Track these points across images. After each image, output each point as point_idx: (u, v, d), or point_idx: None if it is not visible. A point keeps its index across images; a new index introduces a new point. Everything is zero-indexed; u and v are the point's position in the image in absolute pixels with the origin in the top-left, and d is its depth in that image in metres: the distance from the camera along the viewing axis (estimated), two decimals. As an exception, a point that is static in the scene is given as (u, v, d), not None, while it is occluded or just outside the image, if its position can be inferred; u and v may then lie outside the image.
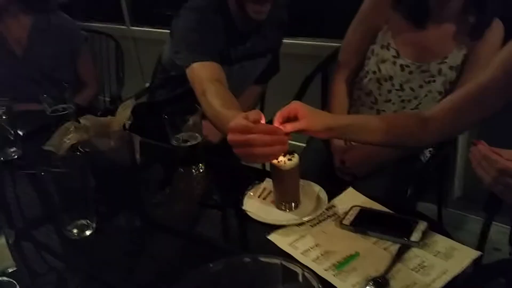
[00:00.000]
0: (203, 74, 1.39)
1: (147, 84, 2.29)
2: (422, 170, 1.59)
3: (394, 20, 1.51)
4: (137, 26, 3.38)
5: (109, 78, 2.58)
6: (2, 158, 1.44)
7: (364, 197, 1.09)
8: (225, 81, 1.41)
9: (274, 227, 1.01)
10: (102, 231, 1.07)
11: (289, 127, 1.00)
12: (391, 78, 1.52)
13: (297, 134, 1.04)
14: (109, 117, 1.26)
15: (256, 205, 1.08)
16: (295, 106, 1.02)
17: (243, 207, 1.07)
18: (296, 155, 1.02)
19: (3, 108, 1.49)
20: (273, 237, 0.99)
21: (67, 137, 1.20)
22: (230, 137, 0.96)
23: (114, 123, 1.22)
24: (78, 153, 1.04)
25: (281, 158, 1.01)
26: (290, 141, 1.00)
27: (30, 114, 1.66)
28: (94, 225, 1.07)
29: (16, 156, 1.46)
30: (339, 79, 1.67)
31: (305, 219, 1.02)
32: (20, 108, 1.64)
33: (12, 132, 1.46)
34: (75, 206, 1.06)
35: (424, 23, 1.45)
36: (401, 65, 1.50)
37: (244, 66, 1.71)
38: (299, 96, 1.95)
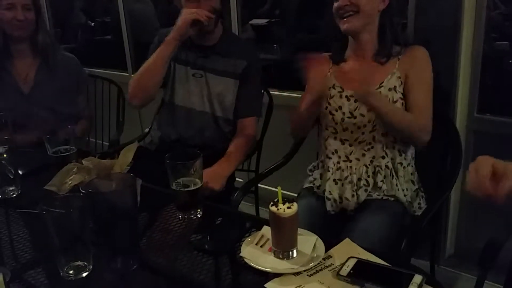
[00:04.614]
0: None
1: (147, 130, 2.33)
2: (415, 224, 1.62)
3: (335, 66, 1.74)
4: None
5: (109, 123, 2.62)
6: (0, 196, 1.45)
7: (361, 248, 1.11)
8: None
9: (271, 275, 1.02)
10: (98, 273, 1.07)
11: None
12: (340, 107, 1.67)
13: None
14: (111, 159, 1.28)
15: (254, 252, 1.09)
16: (490, 160, 1.03)
17: (241, 254, 1.08)
18: (295, 203, 1.04)
19: (6, 146, 1.51)
20: (270, 285, 0.99)
21: (69, 178, 1.21)
22: None
23: (116, 166, 1.24)
24: (81, 193, 1.05)
25: (280, 206, 1.03)
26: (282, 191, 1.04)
27: (31, 153, 1.68)
28: (90, 267, 1.07)
29: (14, 195, 1.47)
30: None
31: (303, 268, 1.03)
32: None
33: (12, 171, 1.48)
34: (73, 247, 1.06)
35: (346, 61, 1.70)
36: (347, 96, 1.66)
37: (205, 76, 1.95)
38: (297, 146, 2.01)
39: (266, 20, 4.37)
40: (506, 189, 0.97)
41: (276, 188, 1.09)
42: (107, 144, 2.60)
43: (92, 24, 5.19)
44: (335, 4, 1.61)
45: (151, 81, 1.85)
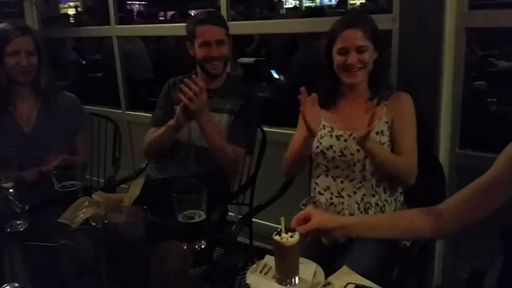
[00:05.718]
0: None
1: (143, 165, 2.40)
2: (404, 254, 1.70)
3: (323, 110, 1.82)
4: (131, 111, 3.57)
5: (105, 159, 2.67)
6: (8, 230, 1.50)
7: (358, 275, 1.19)
8: None
9: (275, 301, 1.09)
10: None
11: (304, 227, 1.19)
12: (331, 146, 1.79)
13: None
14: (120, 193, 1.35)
15: (258, 279, 1.16)
16: (308, 209, 1.24)
17: (246, 281, 1.15)
18: (297, 232, 1.13)
19: (12, 182, 1.57)
20: (275, 310, 1.06)
21: (81, 211, 1.27)
22: None
23: (125, 199, 1.31)
24: (97, 226, 1.12)
25: (283, 235, 1.11)
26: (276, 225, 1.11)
27: (37, 188, 1.73)
28: (102, 296, 1.13)
29: (22, 229, 1.51)
30: None
31: (305, 294, 1.10)
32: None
33: (20, 205, 1.53)
34: (84, 278, 1.12)
35: (336, 104, 1.84)
36: (337, 136, 1.79)
37: None
38: (290, 180, 2.09)
39: (253, 59, 4.53)
40: (304, 228, 1.19)
41: (268, 221, 1.18)
42: (103, 180, 2.65)
43: (84, 62, 5.31)
44: (340, 59, 1.73)
45: (161, 147, 2.09)
